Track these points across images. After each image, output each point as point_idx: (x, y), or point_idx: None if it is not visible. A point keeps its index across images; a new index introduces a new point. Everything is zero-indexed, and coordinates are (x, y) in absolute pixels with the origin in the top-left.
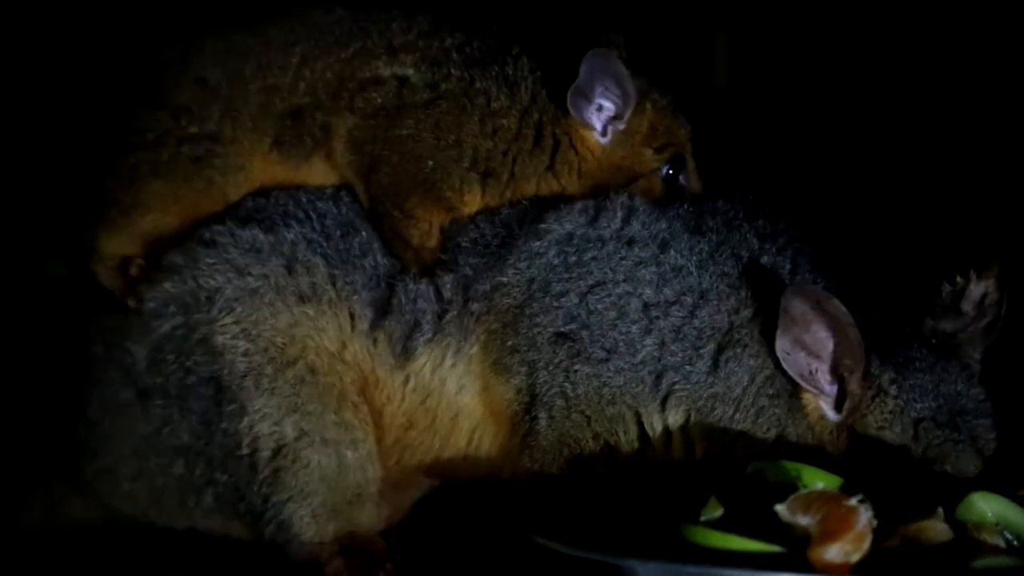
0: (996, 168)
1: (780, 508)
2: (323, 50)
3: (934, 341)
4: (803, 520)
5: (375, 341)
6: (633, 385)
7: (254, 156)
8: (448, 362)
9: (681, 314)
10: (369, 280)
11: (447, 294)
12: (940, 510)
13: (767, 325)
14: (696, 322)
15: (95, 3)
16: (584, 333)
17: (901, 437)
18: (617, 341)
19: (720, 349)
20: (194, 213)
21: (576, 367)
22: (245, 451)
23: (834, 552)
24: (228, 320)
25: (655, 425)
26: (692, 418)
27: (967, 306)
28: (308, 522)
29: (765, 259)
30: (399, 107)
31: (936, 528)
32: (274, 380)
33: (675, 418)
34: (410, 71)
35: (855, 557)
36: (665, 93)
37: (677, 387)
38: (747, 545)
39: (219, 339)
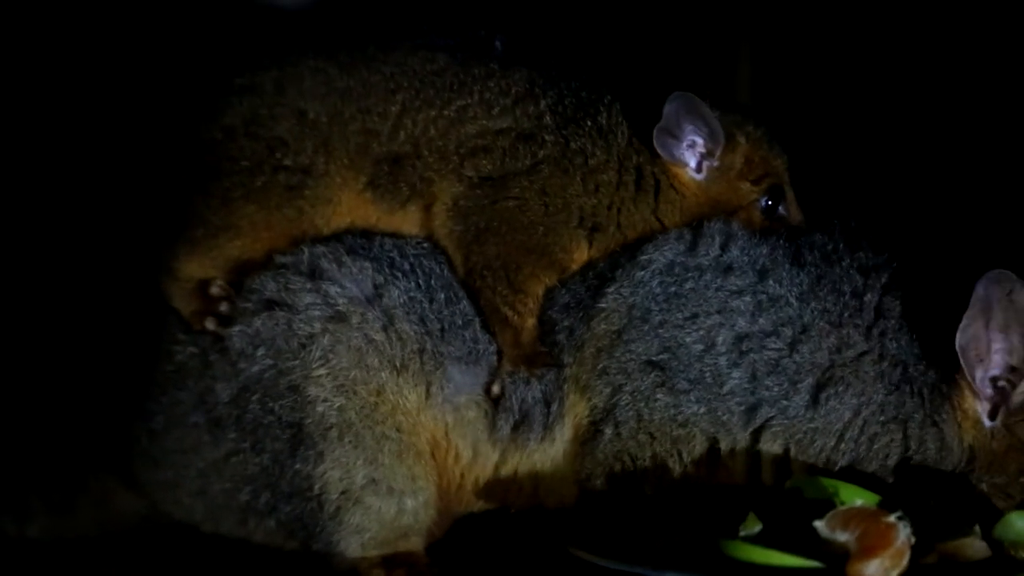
0: None
1: (819, 524)
2: (424, 102)
3: None
4: (842, 536)
5: (455, 413)
6: (718, 414)
7: (345, 191)
8: (558, 436)
9: (777, 346)
10: (467, 353)
11: (551, 390)
12: (977, 528)
13: (874, 364)
14: (797, 357)
15: (189, 19)
16: (673, 363)
17: None
18: (703, 373)
19: (820, 386)
20: (281, 241)
21: (658, 395)
22: (315, 492)
23: (873, 568)
24: (323, 372)
25: (738, 453)
26: (792, 451)
27: None
28: (355, 549)
29: (869, 296)
30: (504, 176)
31: (974, 546)
32: (360, 435)
33: (770, 448)
34: (509, 140)
35: (894, 573)
36: (759, 124)
37: (774, 421)
38: (786, 560)
39: (312, 390)
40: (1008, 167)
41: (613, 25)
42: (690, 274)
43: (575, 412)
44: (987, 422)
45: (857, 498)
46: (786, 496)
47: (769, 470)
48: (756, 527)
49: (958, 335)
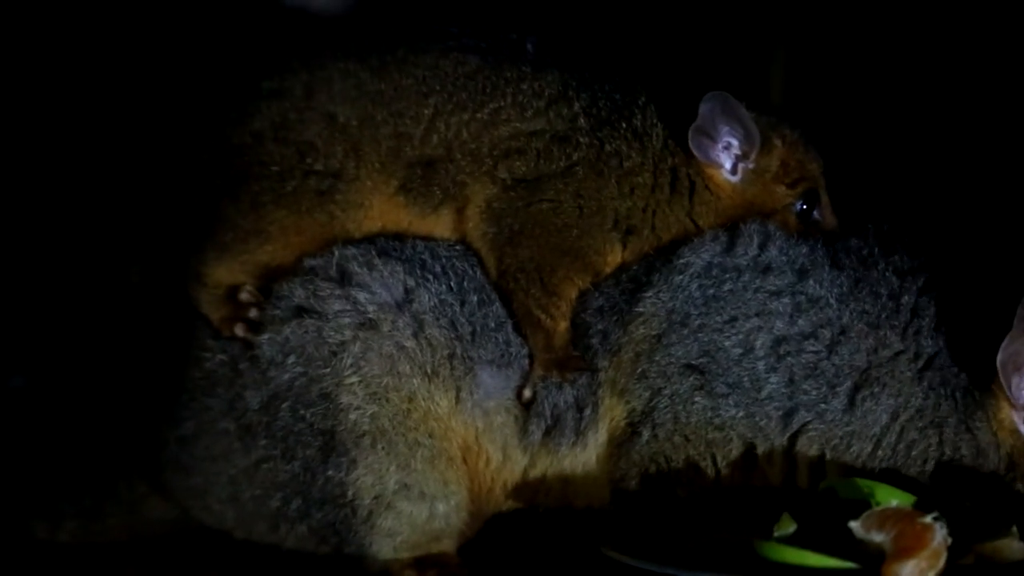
0: None
1: (854, 525)
2: (457, 106)
3: None
4: (877, 537)
5: (485, 417)
6: (756, 419)
7: (376, 195)
8: (590, 442)
9: (816, 348)
10: (499, 356)
11: (584, 395)
12: (1015, 529)
13: (910, 364)
14: (836, 359)
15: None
16: (712, 367)
17: None
18: (741, 377)
19: (857, 388)
20: (312, 246)
21: (696, 399)
22: (348, 499)
23: (909, 569)
24: (355, 379)
25: (775, 457)
26: (828, 455)
27: None
28: (387, 552)
29: (906, 299)
30: (538, 178)
31: (1012, 547)
32: (393, 441)
33: (806, 452)
34: (544, 142)
35: (930, 574)
36: (795, 127)
37: (810, 426)
38: (822, 561)
39: (344, 398)
40: None
41: (647, 28)
42: (728, 275)
43: (611, 415)
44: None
45: (893, 499)
46: (821, 497)
47: (805, 473)
48: (791, 528)
49: (1000, 352)
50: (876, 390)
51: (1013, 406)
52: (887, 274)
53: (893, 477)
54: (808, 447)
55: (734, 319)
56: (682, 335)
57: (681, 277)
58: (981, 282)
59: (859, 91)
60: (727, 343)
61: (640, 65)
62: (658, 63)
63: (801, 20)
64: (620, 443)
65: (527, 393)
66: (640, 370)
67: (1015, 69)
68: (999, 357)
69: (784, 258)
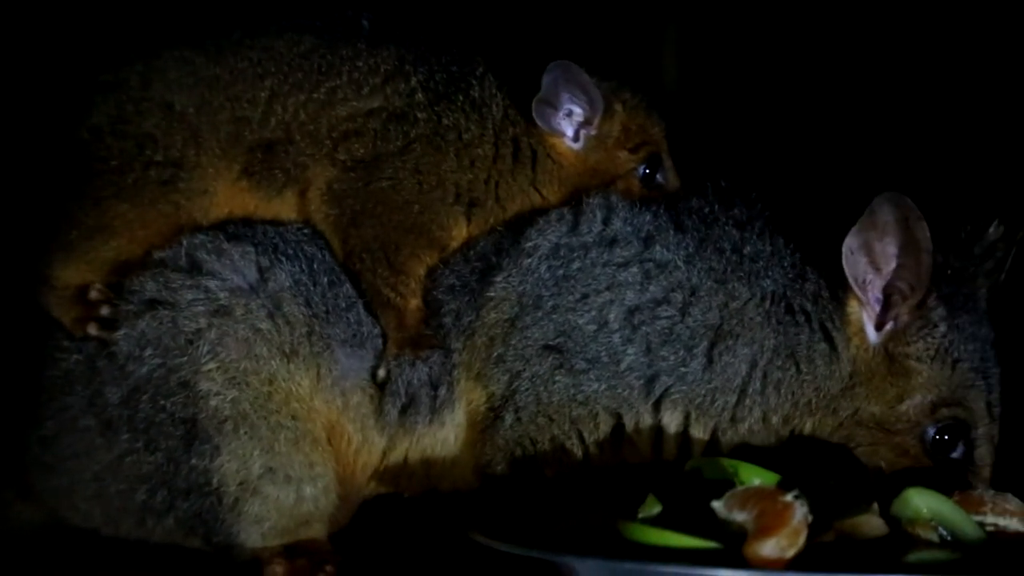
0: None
1: (717, 504)
2: (294, 86)
3: (950, 272)
4: (739, 516)
5: (343, 397)
6: (618, 390)
7: (219, 182)
8: (447, 421)
9: (669, 314)
10: (352, 336)
11: (437, 373)
12: (876, 505)
13: (757, 308)
14: (689, 321)
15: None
16: (569, 345)
17: (937, 373)
18: (599, 352)
19: (713, 345)
20: (159, 239)
21: (557, 377)
22: (213, 486)
23: (770, 548)
24: (212, 366)
25: (642, 426)
26: (693, 415)
27: (978, 248)
28: (256, 539)
29: (748, 248)
30: (376, 157)
31: (871, 523)
32: (255, 425)
33: (672, 417)
34: (380, 121)
35: (790, 552)
36: (636, 92)
37: (673, 390)
38: (684, 541)
39: (204, 385)
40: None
41: (537, 9)
42: (576, 254)
43: (470, 399)
44: (871, 334)
45: (756, 478)
46: (686, 477)
47: (673, 442)
48: (655, 509)
49: (846, 242)
50: (731, 343)
51: (861, 303)
52: (728, 228)
53: (757, 454)
54: (673, 410)
55: (586, 296)
56: (536, 317)
57: (530, 260)
58: (819, 207)
59: (752, 70)
60: (581, 320)
61: (527, 44)
62: (547, 43)
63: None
64: (484, 429)
65: (381, 373)
66: (496, 354)
67: (892, 48)
68: (844, 245)
69: (629, 228)
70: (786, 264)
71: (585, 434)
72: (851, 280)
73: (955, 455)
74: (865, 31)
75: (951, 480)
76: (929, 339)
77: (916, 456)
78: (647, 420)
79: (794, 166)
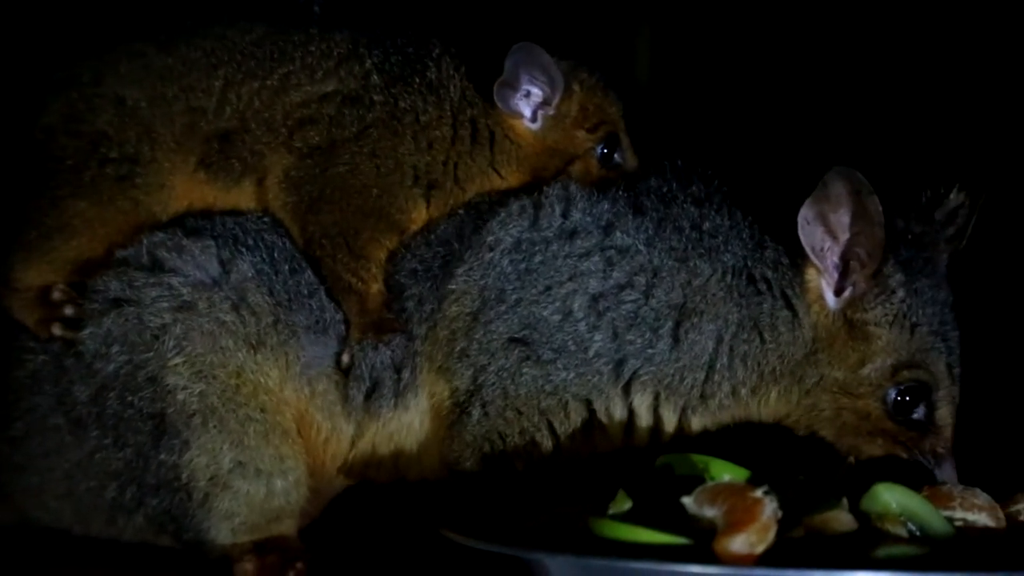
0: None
1: (687, 500)
2: (247, 75)
3: (909, 237)
4: (709, 512)
5: (310, 385)
6: (588, 377)
7: (176, 175)
8: (411, 405)
9: (633, 297)
10: (314, 323)
11: (400, 356)
12: (845, 501)
13: (719, 283)
14: (653, 302)
15: None
16: (535, 336)
17: (896, 337)
18: (566, 341)
19: (678, 324)
20: (120, 236)
21: (524, 369)
22: (183, 482)
23: (739, 543)
24: (179, 360)
25: (612, 411)
26: (663, 395)
27: (939, 214)
28: (226, 535)
29: (707, 224)
30: (332, 143)
31: (841, 519)
32: (224, 419)
33: (641, 400)
34: (335, 105)
35: (760, 548)
36: (593, 72)
37: (641, 371)
38: (654, 537)
39: (171, 379)
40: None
41: (514, 4)
42: (537, 247)
43: (433, 391)
44: (831, 300)
45: (726, 473)
46: (657, 473)
47: (644, 425)
48: (626, 505)
49: (801, 212)
50: (696, 320)
51: (819, 271)
52: (686, 206)
53: (728, 448)
54: (643, 392)
55: (549, 288)
56: (500, 311)
57: (492, 254)
58: (776, 179)
59: (724, 65)
60: (545, 312)
61: (506, 39)
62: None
63: None
64: (450, 425)
65: (345, 358)
66: (459, 348)
67: (862, 47)
68: (800, 216)
69: (588, 219)
70: (744, 235)
71: (556, 424)
72: (808, 249)
73: (916, 416)
74: (826, 20)
75: (920, 474)
76: (887, 304)
77: (879, 418)
78: (617, 404)
79: (757, 148)
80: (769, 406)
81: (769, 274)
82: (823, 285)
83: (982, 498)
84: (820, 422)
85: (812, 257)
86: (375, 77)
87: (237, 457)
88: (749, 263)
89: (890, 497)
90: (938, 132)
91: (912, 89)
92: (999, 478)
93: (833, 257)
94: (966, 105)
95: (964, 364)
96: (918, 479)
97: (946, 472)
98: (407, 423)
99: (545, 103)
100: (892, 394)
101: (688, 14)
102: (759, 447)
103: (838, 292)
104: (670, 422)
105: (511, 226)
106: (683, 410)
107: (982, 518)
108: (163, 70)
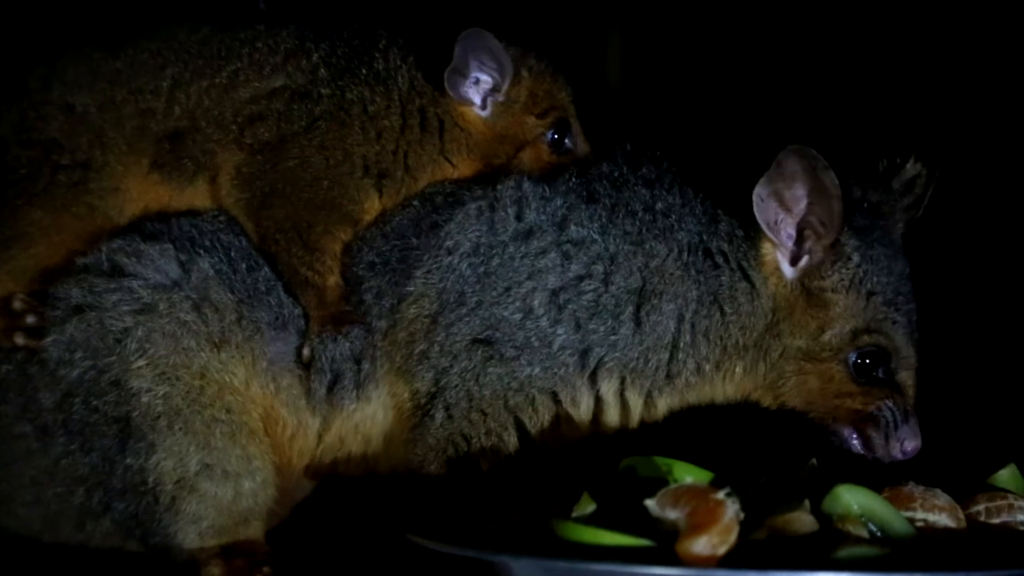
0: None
1: (650, 503)
2: (195, 73)
3: (865, 206)
4: (672, 514)
5: (275, 381)
6: (554, 370)
7: (130, 178)
8: (373, 396)
9: (594, 287)
10: (274, 319)
11: (359, 347)
12: (807, 502)
13: (675, 262)
14: (612, 289)
15: None
16: (498, 335)
17: (854, 303)
18: (529, 338)
19: (639, 307)
20: (78, 244)
21: (489, 369)
22: (150, 485)
23: (701, 545)
24: (142, 363)
25: (579, 400)
26: (628, 379)
27: (897, 183)
28: (193, 539)
29: (659, 205)
30: (281, 138)
31: (802, 520)
32: (189, 420)
33: (608, 387)
34: (284, 100)
35: (722, 549)
36: (541, 58)
37: (606, 359)
38: (617, 540)
39: (134, 382)
40: None
41: (483, 8)
42: (495, 251)
43: (394, 392)
44: (788, 271)
45: (689, 475)
46: (620, 476)
47: (612, 412)
48: (590, 507)
49: (756, 191)
50: (656, 302)
51: (774, 244)
52: (638, 188)
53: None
54: (609, 379)
55: (508, 288)
56: (461, 314)
57: (451, 258)
58: (728, 156)
59: (696, 71)
60: (507, 312)
61: (456, 31)
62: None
63: (636, 1)
64: (413, 427)
65: (306, 352)
66: (419, 350)
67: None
68: (755, 193)
69: (543, 217)
70: (698, 212)
71: (525, 420)
72: (763, 225)
73: (877, 375)
74: (807, 33)
75: (881, 475)
76: (844, 271)
77: (842, 381)
78: (584, 394)
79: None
80: (735, 381)
81: (725, 247)
82: (779, 256)
83: (942, 499)
84: (787, 392)
85: (767, 231)
86: (322, 71)
87: (204, 459)
88: (704, 238)
89: (851, 498)
90: (900, 105)
91: (877, 69)
92: (959, 479)
93: (788, 229)
94: (926, 78)
95: (922, 367)
96: (879, 480)
97: (912, 428)
98: (371, 414)
99: (494, 90)
100: (853, 357)
101: (658, 18)
102: (722, 448)
103: (794, 262)
104: (636, 406)
105: (469, 230)
106: (649, 393)
107: (942, 519)
108: (111, 74)
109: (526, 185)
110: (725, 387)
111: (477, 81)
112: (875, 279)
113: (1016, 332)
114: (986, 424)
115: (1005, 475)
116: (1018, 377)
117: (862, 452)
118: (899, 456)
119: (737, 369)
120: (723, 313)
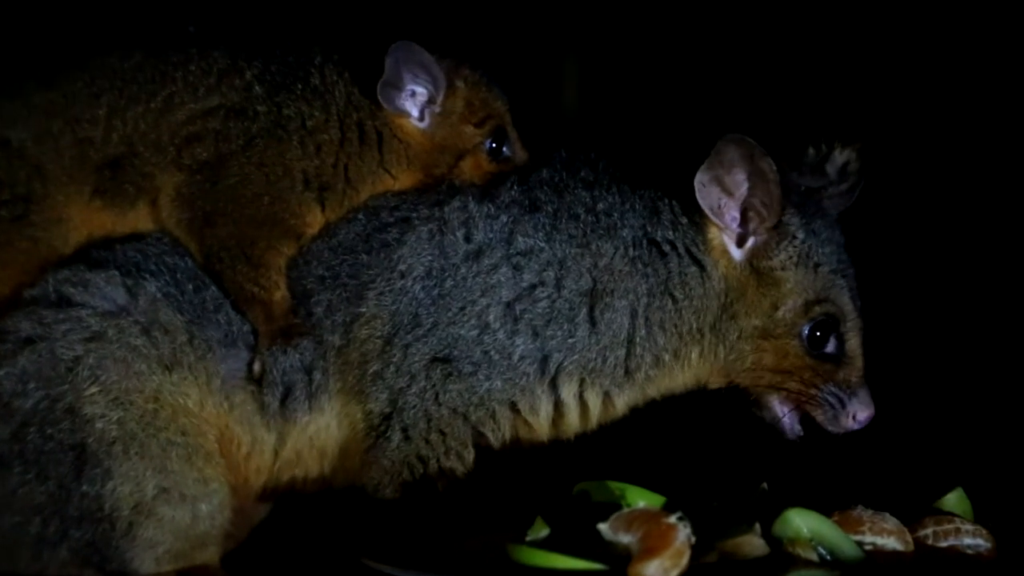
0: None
1: (603, 527)
2: (130, 100)
3: (803, 188)
4: (625, 538)
5: (228, 399)
6: (515, 381)
7: (72, 207)
8: (326, 408)
9: (547, 293)
10: (224, 336)
11: (310, 358)
12: (757, 526)
13: (624, 259)
14: (565, 293)
15: None
16: (456, 353)
17: (804, 277)
18: (488, 353)
19: (592, 308)
20: (25, 276)
21: (449, 386)
22: (106, 512)
23: (653, 568)
24: (94, 389)
25: (538, 407)
26: (588, 379)
27: (831, 169)
28: (150, 564)
29: (601, 205)
30: (220, 157)
31: (753, 543)
32: (144, 444)
33: (568, 390)
34: (220, 119)
35: (674, 573)
36: (476, 68)
37: (565, 363)
38: (570, 563)
39: (88, 409)
40: None
41: (440, 36)
42: (447, 273)
43: (347, 412)
44: (735, 252)
45: (642, 500)
46: (574, 500)
47: (572, 414)
48: (543, 531)
49: (696, 178)
50: (608, 300)
51: (720, 228)
52: (579, 191)
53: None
54: (569, 382)
55: (463, 308)
56: (417, 335)
57: (404, 281)
58: (667, 149)
59: (649, 96)
60: (463, 330)
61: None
62: None
63: (592, 27)
64: (368, 449)
65: (256, 367)
66: (372, 371)
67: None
68: (696, 180)
69: (491, 235)
70: (638, 206)
71: (487, 433)
72: (707, 210)
73: (829, 349)
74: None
75: (830, 499)
76: (790, 248)
77: (796, 355)
78: (543, 400)
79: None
80: (693, 368)
81: (670, 235)
82: (725, 239)
83: (891, 522)
84: (742, 372)
85: (711, 215)
86: (257, 88)
87: (160, 483)
88: (648, 230)
89: (801, 522)
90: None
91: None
92: (907, 502)
93: (732, 212)
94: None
95: (874, 387)
96: (829, 504)
97: (862, 399)
98: (324, 425)
99: (431, 101)
100: (806, 330)
101: (614, 45)
102: (674, 472)
103: (740, 243)
104: (595, 405)
105: (422, 254)
106: (607, 392)
107: (891, 542)
108: (46, 106)
109: (472, 206)
110: (684, 375)
111: (413, 93)
112: (820, 251)
113: (963, 356)
114: (933, 448)
115: (952, 499)
116: (964, 402)
117: (789, 436)
118: (854, 426)
119: (694, 356)
120: (675, 300)
